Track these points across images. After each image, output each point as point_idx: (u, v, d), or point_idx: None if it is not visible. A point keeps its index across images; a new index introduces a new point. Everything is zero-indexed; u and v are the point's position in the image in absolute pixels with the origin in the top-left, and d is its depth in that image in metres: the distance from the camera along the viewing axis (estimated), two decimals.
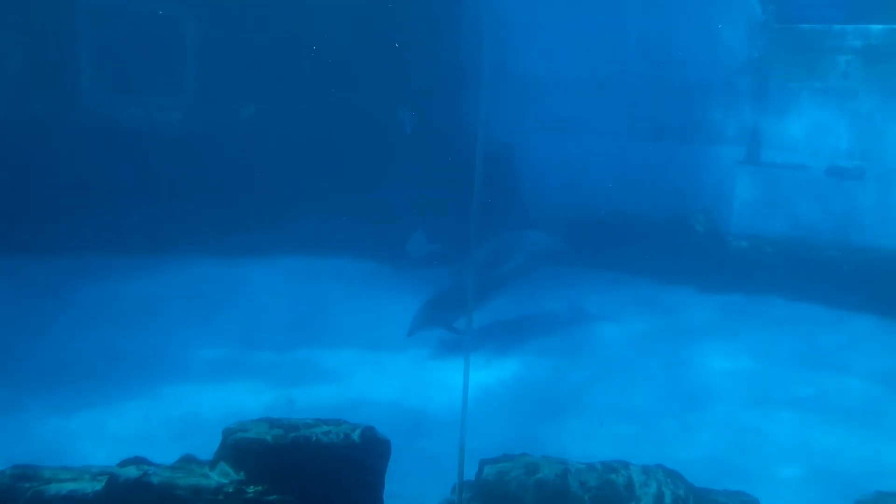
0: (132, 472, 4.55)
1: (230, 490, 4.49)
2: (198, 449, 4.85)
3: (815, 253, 10.30)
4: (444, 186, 9.72)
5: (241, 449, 4.59)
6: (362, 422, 4.84)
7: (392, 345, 8.51)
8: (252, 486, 4.52)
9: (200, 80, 11.24)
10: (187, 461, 4.77)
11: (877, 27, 9.91)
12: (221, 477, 4.55)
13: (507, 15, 10.92)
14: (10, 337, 8.25)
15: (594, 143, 11.35)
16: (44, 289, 9.57)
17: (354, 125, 11.02)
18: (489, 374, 8.18)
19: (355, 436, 4.70)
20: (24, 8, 10.53)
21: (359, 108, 11.05)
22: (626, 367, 8.49)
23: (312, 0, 10.63)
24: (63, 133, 10.75)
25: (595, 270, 10.75)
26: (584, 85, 11.29)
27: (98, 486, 4.53)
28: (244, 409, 6.66)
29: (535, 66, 11.27)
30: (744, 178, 10.78)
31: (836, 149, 10.34)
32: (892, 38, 9.85)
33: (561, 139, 11.45)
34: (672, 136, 11.13)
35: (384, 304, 9.51)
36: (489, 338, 8.92)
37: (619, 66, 11.09)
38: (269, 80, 10.92)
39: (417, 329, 8.44)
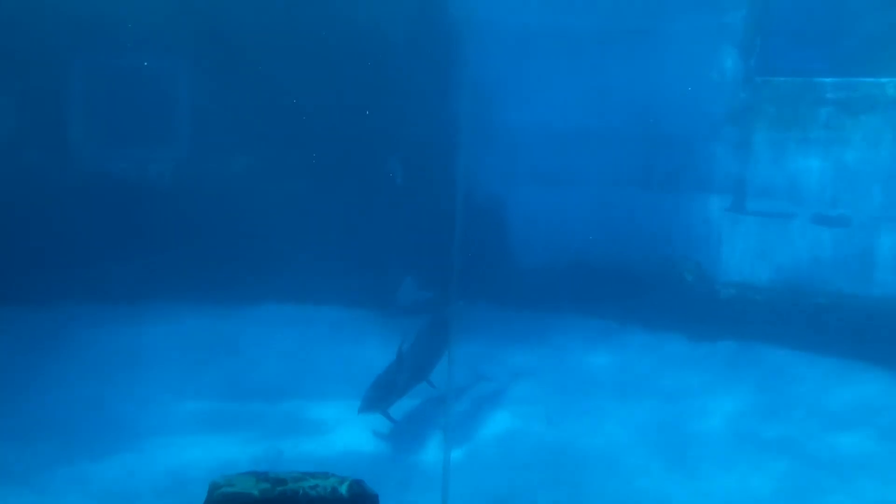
0: None
1: None
2: None
3: (803, 300, 10.36)
4: (435, 235, 9.78)
5: None
6: (350, 474, 4.79)
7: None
8: None
9: (192, 133, 11.36)
10: None
11: (855, 80, 10.14)
12: None
13: (498, 69, 11.14)
14: None
15: (583, 194, 11.47)
16: (31, 340, 9.50)
17: (346, 176, 11.12)
18: (478, 426, 8.13)
19: (343, 489, 4.64)
20: (16, 62, 10.66)
21: (350, 159, 11.17)
22: (617, 417, 8.44)
23: (304, 53, 10.81)
24: (55, 185, 10.79)
25: (585, 319, 10.76)
26: (572, 136, 11.46)
27: None
28: (231, 461, 6.59)
29: (524, 119, 11.44)
30: (731, 227, 10.89)
31: (820, 197, 10.48)
32: (869, 90, 10.08)
33: (550, 190, 11.57)
34: (660, 186, 11.27)
35: (374, 353, 9.45)
36: (477, 388, 8.89)
37: (607, 117, 11.28)
38: (260, 132, 11.04)
39: (364, 411, 7.79)
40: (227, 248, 10.76)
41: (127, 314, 10.08)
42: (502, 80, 11.25)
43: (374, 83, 10.83)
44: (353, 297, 10.66)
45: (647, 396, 8.99)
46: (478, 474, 7.04)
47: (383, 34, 10.61)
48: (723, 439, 8.10)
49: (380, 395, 7.73)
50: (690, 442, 7.99)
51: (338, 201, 10.95)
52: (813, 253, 10.49)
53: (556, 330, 10.46)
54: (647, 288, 10.91)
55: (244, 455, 7.13)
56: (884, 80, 10.01)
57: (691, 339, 10.51)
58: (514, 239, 11.54)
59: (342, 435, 7.75)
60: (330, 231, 10.80)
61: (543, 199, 11.52)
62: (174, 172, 11.31)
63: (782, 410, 8.69)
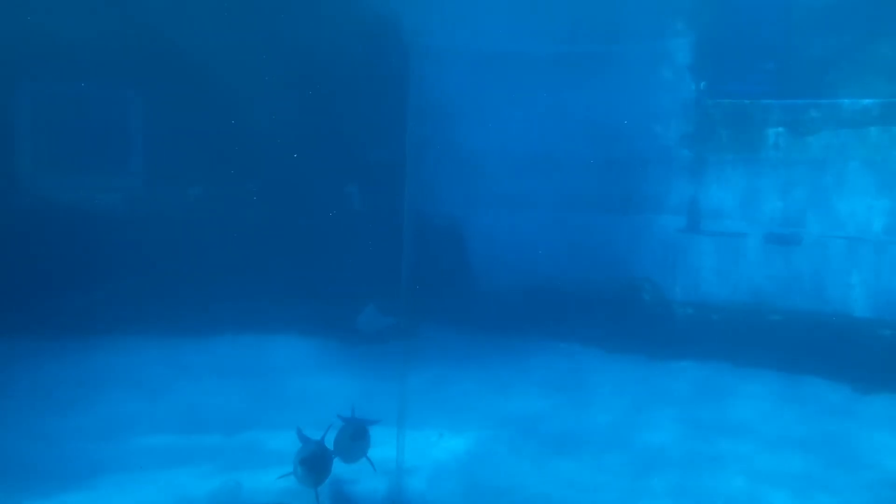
0: None
1: None
2: None
3: (757, 318, 10.54)
4: (395, 260, 9.76)
5: None
6: None
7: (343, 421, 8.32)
8: None
9: (144, 162, 11.20)
10: None
11: (802, 102, 10.44)
12: None
13: (456, 93, 11.23)
14: None
15: (541, 217, 11.57)
16: None
17: (303, 202, 11.06)
18: (443, 449, 8.07)
19: None
20: None
21: (307, 185, 11.11)
22: (578, 440, 8.45)
23: (259, 79, 10.77)
24: (3, 214, 10.53)
25: (546, 341, 10.80)
26: (530, 160, 11.59)
27: None
28: (189, 496, 6.42)
29: (483, 143, 11.54)
30: (686, 247, 11.07)
31: (772, 216, 10.73)
32: (816, 112, 10.38)
33: (509, 213, 11.66)
34: (616, 209, 11.42)
35: (333, 381, 9.38)
36: (442, 411, 8.83)
37: (564, 140, 11.43)
38: (214, 159, 10.94)
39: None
40: (183, 277, 10.59)
41: (79, 347, 9.82)
42: (460, 104, 11.35)
43: (330, 109, 10.82)
44: (312, 326, 10.56)
45: (605, 416, 9.02)
46: (440, 501, 6.97)
47: (339, 60, 10.62)
48: (680, 456, 8.15)
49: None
50: (651, 457, 8.02)
51: (295, 228, 10.88)
52: (766, 271, 10.72)
53: (516, 353, 10.47)
54: (607, 309, 11.01)
55: (202, 490, 6.95)
56: (830, 101, 10.32)
57: (651, 359, 10.61)
58: (474, 262, 11.58)
59: None
60: (288, 258, 10.71)
61: (502, 222, 11.59)
62: (126, 201, 11.13)
63: (737, 427, 8.78)
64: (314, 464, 6.61)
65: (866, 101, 10.16)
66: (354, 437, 7.09)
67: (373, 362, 9.48)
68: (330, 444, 7.06)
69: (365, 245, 10.88)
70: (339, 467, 7.07)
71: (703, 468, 7.83)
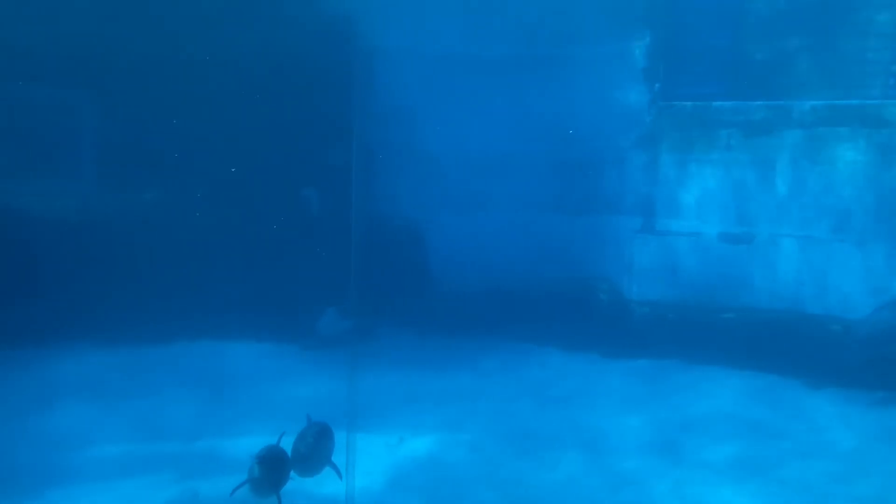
0: None
1: None
2: None
3: (712, 316, 10.74)
4: (354, 264, 9.74)
5: None
6: None
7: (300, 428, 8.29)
8: None
9: (97, 167, 11.00)
10: None
11: (752, 104, 10.67)
12: None
13: (413, 96, 11.23)
14: None
15: (500, 218, 11.65)
16: None
17: (260, 206, 10.97)
18: (403, 453, 8.08)
19: None
20: None
21: (263, 189, 11.03)
22: (539, 439, 8.53)
23: (216, 83, 10.65)
24: None
25: (504, 341, 10.88)
26: (488, 162, 11.65)
27: None
28: None
29: (441, 145, 11.56)
30: (642, 247, 11.24)
31: (724, 215, 10.94)
32: (764, 112, 10.62)
33: (467, 215, 11.70)
34: (573, 209, 11.54)
35: (292, 386, 9.33)
36: (401, 415, 8.84)
37: (521, 142, 11.51)
38: (168, 164, 10.79)
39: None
40: (137, 284, 10.43)
41: (31, 355, 9.62)
42: (418, 106, 11.35)
43: (282, 112, 10.74)
44: (270, 331, 10.49)
45: (564, 415, 9.12)
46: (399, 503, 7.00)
47: (293, 64, 10.54)
48: (641, 452, 8.28)
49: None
50: (610, 455, 8.14)
51: (252, 232, 10.79)
52: (720, 269, 10.92)
53: (475, 354, 10.53)
54: (564, 309, 11.13)
55: (159, 499, 6.89)
56: (778, 103, 10.56)
57: (607, 358, 10.75)
58: (432, 264, 11.61)
59: None
60: (244, 264, 10.62)
61: (460, 224, 11.64)
62: (80, 207, 10.92)
63: (692, 422, 8.95)
64: (273, 464, 6.28)
65: (812, 103, 10.42)
66: (319, 436, 6.71)
67: (332, 367, 9.44)
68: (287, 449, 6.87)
69: (322, 249, 10.83)
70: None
71: (661, 464, 7.97)
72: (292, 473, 6.68)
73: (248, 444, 7.92)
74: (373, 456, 7.79)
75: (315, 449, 6.75)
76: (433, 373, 10.10)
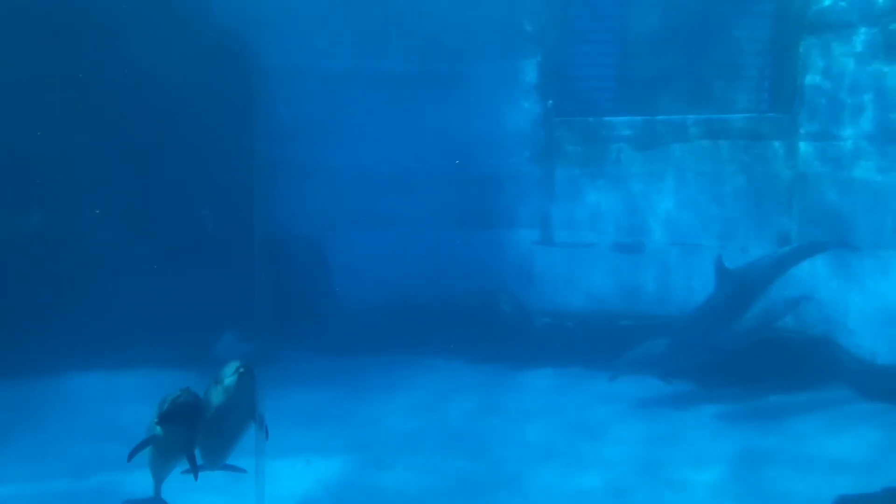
0: None
1: None
2: None
3: (609, 323, 11.10)
4: (254, 285, 9.52)
5: None
6: None
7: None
8: None
9: None
10: None
11: (639, 118, 11.15)
12: None
13: (311, 113, 11.14)
14: None
15: (403, 234, 11.67)
16: None
17: (153, 228, 10.58)
18: (311, 476, 7.95)
19: None
20: None
21: (160, 210, 10.65)
22: (447, 453, 8.56)
23: (106, 101, 10.23)
24: None
25: (410, 357, 10.88)
26: (389, 178, 11.67)
27: None
28: None
29: (342, 163, 11.50)
30: (541, 258, 11.52)
31: (617, 226, 11.36)
32: (648, 127, 11.12)
33: (370, 232, 11.68)
34: (474, 224, 11.71)
35: None
36: (307, 437, 8.69)
37: (421, 159, 11.60)
38: (55, 185, 10.27)
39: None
40: (21, 313, 9.85)
41: None
42: (317, 124, 11.26)
43: (179, 131, 10.44)
44: (166, 357, 10.08)
45: (472, 427, 9.20)
46: None
47: (183, 81, 10.25)
48: (546, 459, 8.43)
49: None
50: (517, 465, 8.25)
51: (147, 255, 10.39)
52: (615, 278, 11.33)
53: (382, 371, 10.49)
54: (469, 322, 11.24)
55: None
56: (663, 118, 11.09)
57: (513, 368, 10.92)
58: (336, 283, 11.51)
59: None
60: (137, 288, 10.20)
61: (363, 241, 11.60)
62: None
63: (597, 427, 9.21)
64: (181, 416, 4.89)
65: (694, 117, 11.00)
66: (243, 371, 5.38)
67: None
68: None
69: (221, 270, 10.54)
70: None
71: (570, 470, 8.14)
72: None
73: (146, 478, 7.60)
74: (279, 480, 7.61)
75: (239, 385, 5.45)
76: (339, 393, 9.98)
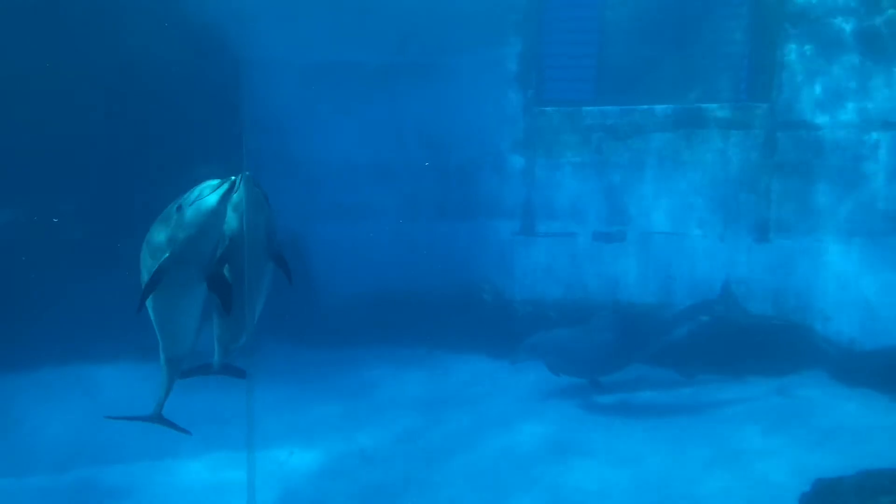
0: None
1: None
2: None
3: (590, 313, 11.14)
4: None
5: None
6: None
7: (185, 452, 7.97)
8: None
9: None
10: None
11: (617, 108, 11.18)
12: None
13: (290, 106, 11.05)
14: None
15: (383, 225, 11.63)
16: None
17: (127, 220, 10.44)
18: (294, 467, 7.93)
19: None
20: None
21: (138, 202, 10.50)
22: (430, 444, 8.57)
23: (74, 93, 10.07)
24: None
25: (393, 349, 10.87)
26: (368, 170, 11.62)
27: None
28: None
29: (320, 155, 11.43)
30: (522, 249, 11.54)
31: (598, 216, 11.39)
32: (630, 117, 11.15)
33: (349, 224, 11.63)
34: (455, 215, 11.69)
35: (172, 408, 8.92)
36: (290, 429, 8.67)
37: (401, 150, 11.56)
38: (25, 180, 10.11)
39: None
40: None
41: None
42: (295, 116, 11.18)
43: (165, 124, 10.32)
44: (143, 351, 9.97)
45: (459, 418, 9.21)
46: None
47: (161, 74, 10.13)
48: (532, 452, 8.46)
49: None
50: (503, 455, 8.27)
51: (124, 247, 10.25)
52: (595, 268, 11.37)
53: (364, 362, 10.48)
54: (451, 312, 11.24)
55: None
56: (642, 107, 11.12)
57: (494, 358, 10.94)
58: (316, 276, 11.45)
59: (143, 499, 7.22)
60: (116, 281, 10.07)
61: (343, 233, 11.55)
62: None
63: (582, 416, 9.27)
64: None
65: (673, 107, 11.04)
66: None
67: (215, 384, 9.10)
68: None
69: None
70: None
71: (555, 461, 8.18)
72: None
73: (127, 471, 7.57)
74: (263, 472, 7.59)
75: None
76: (321, 384, 9.96)
